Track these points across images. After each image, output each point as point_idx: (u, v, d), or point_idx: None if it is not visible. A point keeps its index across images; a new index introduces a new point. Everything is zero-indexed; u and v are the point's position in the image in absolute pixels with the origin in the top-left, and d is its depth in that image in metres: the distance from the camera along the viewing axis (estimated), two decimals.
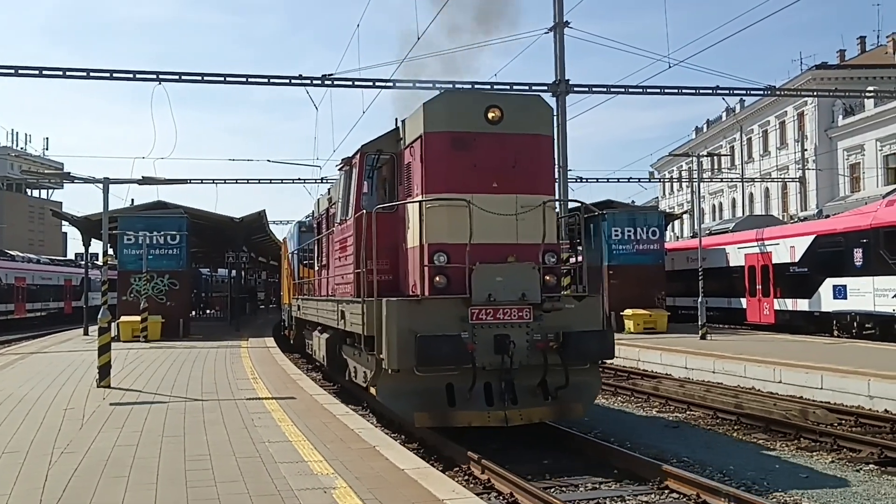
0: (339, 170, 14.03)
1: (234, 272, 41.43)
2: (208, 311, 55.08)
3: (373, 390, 10.87)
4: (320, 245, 17.78)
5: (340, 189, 13.87)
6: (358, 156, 12.56)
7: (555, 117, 11.16)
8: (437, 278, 10.46)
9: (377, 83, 25.84)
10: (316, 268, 18.64)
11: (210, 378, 14.77)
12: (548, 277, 10.74)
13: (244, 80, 25.43)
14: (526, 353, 10.29)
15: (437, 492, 6.40)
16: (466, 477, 9.04)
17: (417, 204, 10.80)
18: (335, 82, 25.80)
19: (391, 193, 12.27)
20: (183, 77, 24.60)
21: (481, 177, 10.65)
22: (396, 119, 12.59)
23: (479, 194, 10.54)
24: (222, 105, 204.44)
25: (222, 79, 25.12)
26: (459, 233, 10.28)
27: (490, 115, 10.75)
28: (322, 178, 36.51)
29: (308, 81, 25.68)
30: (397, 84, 25.55)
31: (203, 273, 61.19)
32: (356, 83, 25.94)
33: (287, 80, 25.51)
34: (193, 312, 48.12)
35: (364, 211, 11.18)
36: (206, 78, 24.94)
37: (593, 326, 10.66)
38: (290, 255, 25.90)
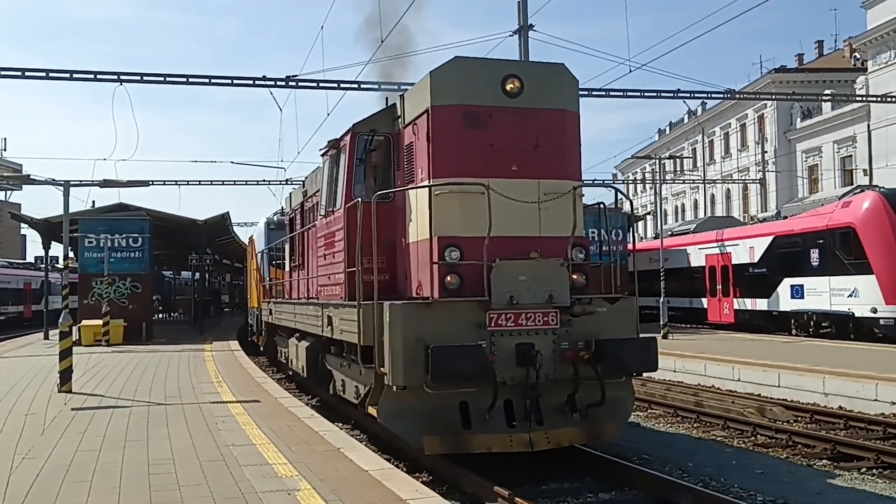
0: (323, 155, 12.06)
1: (197, 275, 41.10)
2: (173, 315, 54.52)
3: (371, 410, 9.13)
4: (294, 243, 16.41)
5: (324, 177, 11.87)
6: (348, 137, 10.69)
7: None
8: (449, 278, 8.84)
9: (342, 84, 25.83)
10: (287, 268, 17.47)
11: (174, 382, 14.68)
12: (575, 276, 9.18)
13: (207, 80, 25.23)
14: (553, 365, 8.82)
15: (401, 492, 6.48)
16: None
17: (424, 191, 9.22)
18: (299, 83, 25.70)
19: (384, 181, 10.57)
20: (145, 78, 24.35)
21: (498, 159, 9.12)
22: (387, 98, 11.41)
23: (496, 179, 8.95)
24: (185, 106, 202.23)
25: (185, 80, 24.90)
26: (474, 225, 8.79)
27: (508, 87, 9.20)
28: (287, 180, 36.38)
29: (272, 83, 25.53)
30: (362, 86, 25.61)
31: (166, 276, 60.57)
32: (321, 84, 25.89)
33: (251, 82, 25.37)
34: (159, 315, 47.69)
35: (359, 199, 9.38)
36: (168, 79, 24.69)
37: (626, 333, 9.15)
38: (257, 256, 24.84)
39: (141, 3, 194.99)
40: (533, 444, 8.58)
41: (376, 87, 25.43)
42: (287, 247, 17.41)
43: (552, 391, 8.83)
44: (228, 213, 32.17)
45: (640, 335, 9.33)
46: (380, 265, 9.41)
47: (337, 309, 10.55)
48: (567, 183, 9.37)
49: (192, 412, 10.96)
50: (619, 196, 11.11)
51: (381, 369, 8.66)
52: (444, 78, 9.27)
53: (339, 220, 10.69)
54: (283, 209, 21.22)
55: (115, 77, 23.71)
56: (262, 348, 22.53)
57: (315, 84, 25.91)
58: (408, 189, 9.75)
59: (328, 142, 11.56)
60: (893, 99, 33.25)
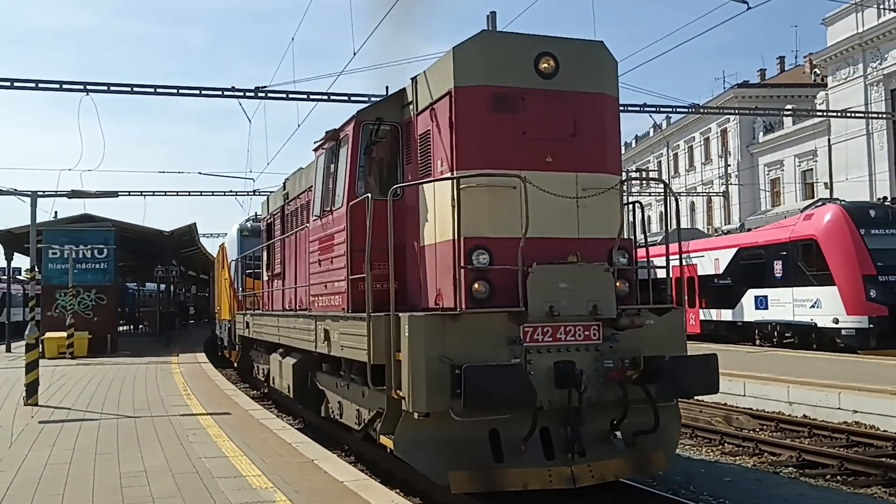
0: (318, 149, 10.74)
1: (163, 286, 40.66)
2: (140, 327, 53.83)
3: (386, 441, 7.82)
4: (273, 250, 15.25)
5: (319, 174, 10.59)
6: (351, 126, 9.25)
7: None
8: (477, 285, 7.54)
9: (311, 96, 25.81)
10: (265, 278, 16.32)
11: (141, 395, 14.53)
12: (619, 283, 8.00)
13: (175, 91, 25.04)
14: (596, 386, 7.67)
15: (377, 502, 6.51)
16: None
17: (446, 186, 7.86)
18: (269, 95, 25.63)
19: (390, 177, 9.23)
20: (111, 88, 24.13)
21: (532, 148, 7.87)
22: (387, 88, 10.24)
23: (530, 172, 7.69)
24: (152, 116, 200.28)
25: (153, 90, 24.70)
26: (505, 224, 7.63)
27: (542, 66, 7.98)
28: (255, 191, 36.11)
29: (241, 93, 25.41)
30: (332, 97, 25.66)
31: (130, 287, 59.81)
32: (290, 96, 25.84)
33: (220, 92, 25.25)
34: (127, 327, 47.11)
35: (368, 196, 8.07)
36: (135, 89, 24.48)
37: (675, 349, 8.02)
38: (230, 265, 23.44)
39: (107, 12, 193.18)
40: (575, 480, 7.45)
41: (346, 98, 25.69)
42: (265, 254, 16.40)
43: (594, 417, 7.66)
44: (195, 224, 31.96)
45: (684, 351, 8.26)
46: (385, 272, 8.08)
47: (336, 322, 9.24)
48: (608, 177, 8.19)
49: (162, 425, 10.86)
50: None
51: (398, 392, 7.43)
52: (469, 54, 7.91)
53: (341, 220, 9.26)
54: (256, 215, 20.84)
55: (82, 87, 23.44)
56: (235, 364, 20.92)
57: (285, 95, 25.86)
58: (428, 182, 8.27)
59: (326, 133, 10.17)
60: (853, 114, 34.03)
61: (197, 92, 25.27)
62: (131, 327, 51.28)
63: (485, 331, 7.43)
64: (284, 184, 14.86)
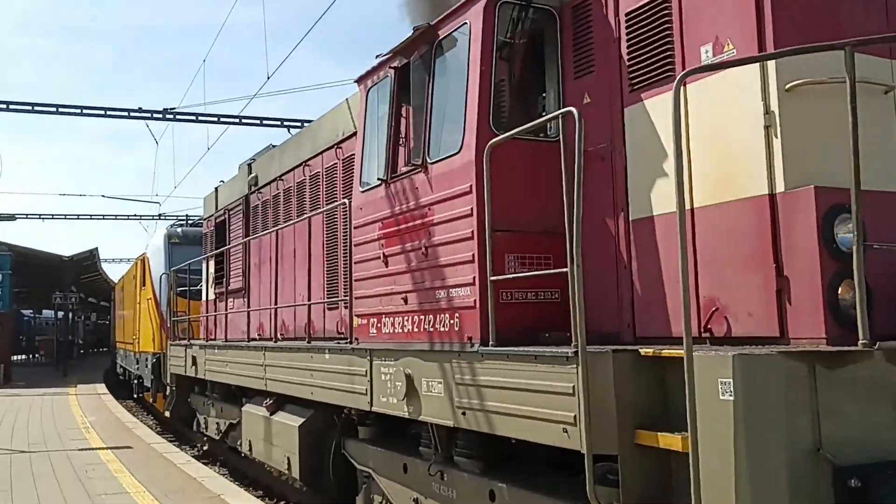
0: (372, 76, 6.60)
1: (61, 314, 39.02)
2: (36, 356, 51.44)
3: None
4: (229, 258, 11.66)
5: (381, 114, 6.44)
6: (480, 6, 5.26)
7: None
8: (842, 289, 3.68)
9: (222, 119, 25.42)
10: (211, 296, 12.53)
11: (37, 428, 13.85)
12: None
13: (79, 111, 24.31)
14: None
15: None
16: None
17: (732, 90, 4.10)
18: (177, 116, 25.14)
19: (529, 103, 5.71)
20: (11, 106, 23.21)
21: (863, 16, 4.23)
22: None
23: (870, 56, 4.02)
24: (54, 136, 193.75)
25: (55, 109, 23.91)
26: (873, 166, 3.82)
27: None
28: (160, 215, 35.10)
29: (148, 115, 24.87)
30: (244, 121, 25.36)
31: (26, 315, 57.19)
32: (200, 118, 25.39)
33: (126, 113, 24.63)
34: (23, 356, 44.94)
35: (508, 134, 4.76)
36: (36, 108, 23.63)
37: None
38: (154, 281, 18.79)
39: (8, 27, 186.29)
40: None
41: (258, 122, 25.45)
42: (208, 266, 12.70)
43: None
44: (97, 249, 30.87)
45: None
46: (540, 260, 5.12)
47: (458, 362, 5.13)
48: None
49: (59, 460, 10.36)
50: None
51: None
52: None
53: (459, 176, 5.29)
54: (187, 218, 19.09)
55: None
56: (166, 413, 14.97)
57: (194, 118, 25.41)
58: (720, 68, 4.08)
59: (414, 28, 5.95)
60: None
61: (102, 112, 24.58)
62: (29, 356, 49.01)
63: (876, 386, 3.58)
64: (250, 167, 11.33)
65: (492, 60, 5.20)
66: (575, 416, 4.01)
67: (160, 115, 24.97)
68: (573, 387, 4.03)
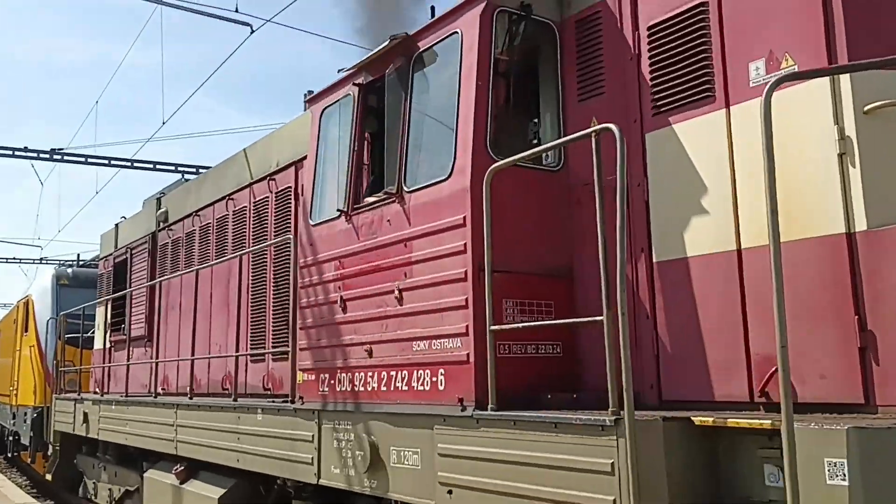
0: (326, 97, 5.81)
1: None
2: None
3: None
4: (132, 302, 10.49)
5: (341, 135, 5.58)
6: (476, 12, 4.56)
7: None
8: None
9: (113, 161, 24.27)
10: (106, 344, 11.30)
11: None
12: None
13: None
14: None
15: None
16: None
17: (797, 112, 3.44)
18: (65, 157, 23.91)
19: (520, 126, 4.97)
20: None
21: None
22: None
23: None
24: None
25: None
26: None
27: None
28: (41, 259, 32.65)
29: (34, 154, 23.50)
30: (136, 164, 24.30)
31: None
32: (89, 160, 24.13)
33: (10, 152, 23.07)
34: None
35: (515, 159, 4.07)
36: None
37: None
38: (38, 327, 16.89)
39: None
40: None
41: (151, 166, 24.32)
42: (104, 311, 11.52)
43: None
44: None
45: None
46: (541, 307, 4.39)
47: (446, 430, 4.24)
48: None
49: None
50: None
51: None
52: None
53: (448, 207, 4.45)
54: (79, 258, 17.47)
55: None
56: (48, 476, 13.45)
57: (84, 159, 24.14)
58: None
59: (391, 38, 5.07)
60: None
61: None
62: None
63: None
64: (159, 201, 10.43)
65: (489, 74, 4.46)
66: (615, 501, 3.22)
67: (47, 156, 23.74)
68: (612, 463, 3.24)
